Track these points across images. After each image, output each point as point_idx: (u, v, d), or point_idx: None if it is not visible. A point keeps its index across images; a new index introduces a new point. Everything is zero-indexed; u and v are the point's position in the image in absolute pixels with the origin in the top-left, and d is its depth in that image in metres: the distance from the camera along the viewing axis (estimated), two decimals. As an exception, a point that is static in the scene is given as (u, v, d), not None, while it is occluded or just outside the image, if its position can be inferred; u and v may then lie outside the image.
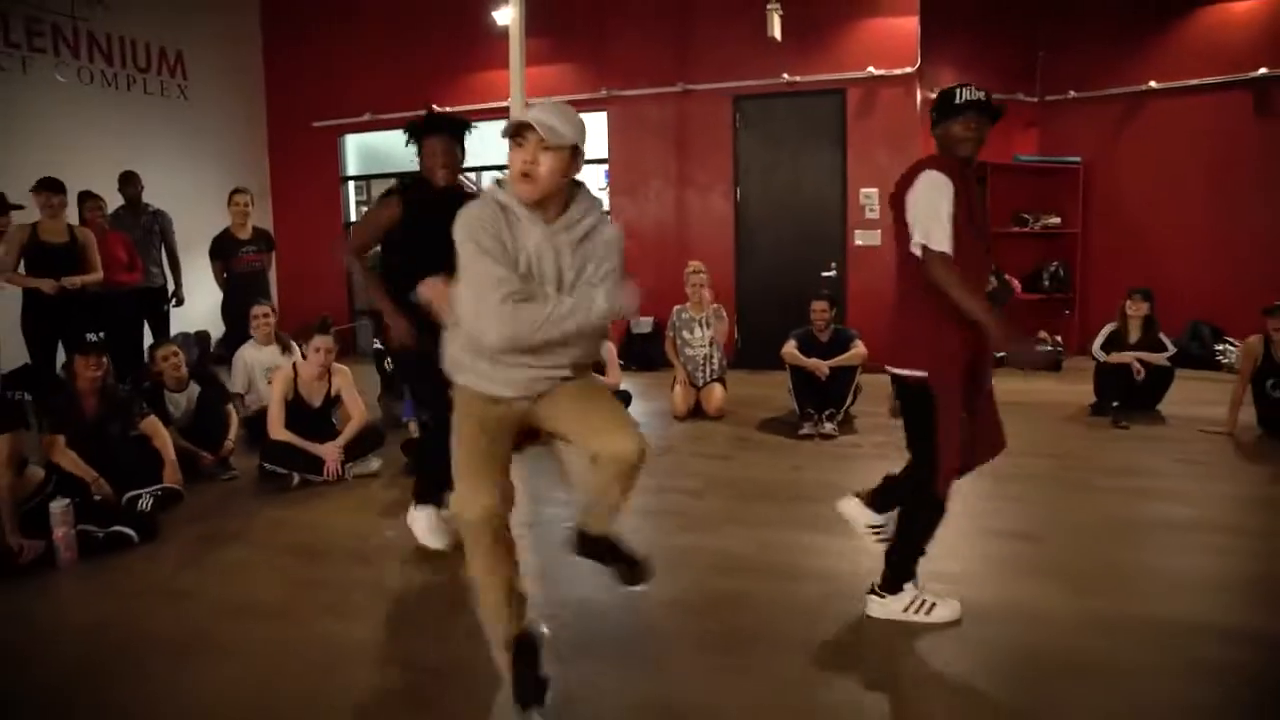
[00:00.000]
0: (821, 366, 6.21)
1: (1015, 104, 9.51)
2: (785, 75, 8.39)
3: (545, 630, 2.66)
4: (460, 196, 3.52)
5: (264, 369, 5.88)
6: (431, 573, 3.62)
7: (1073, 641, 2.92)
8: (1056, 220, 9.49)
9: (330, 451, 4.89)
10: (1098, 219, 9.38)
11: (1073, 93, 9.42)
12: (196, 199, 8.58)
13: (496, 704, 2.55)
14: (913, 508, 3.02)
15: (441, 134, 3.67)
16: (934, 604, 3.05)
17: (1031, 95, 9.60)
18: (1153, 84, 8.96)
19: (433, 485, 3.73)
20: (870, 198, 8.52)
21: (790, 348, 6.34)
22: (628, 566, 2.54)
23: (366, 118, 10.09)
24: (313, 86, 10.46)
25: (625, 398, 6.49)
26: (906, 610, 3.04)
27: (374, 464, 5.14)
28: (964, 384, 2.84)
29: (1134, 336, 6.56)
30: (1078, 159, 9.40)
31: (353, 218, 10.85)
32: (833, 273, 8.67)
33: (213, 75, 10.10)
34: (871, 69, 8.21)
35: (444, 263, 3.41)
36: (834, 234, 8.69)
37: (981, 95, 2.84)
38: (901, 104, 8.31)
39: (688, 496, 4.60)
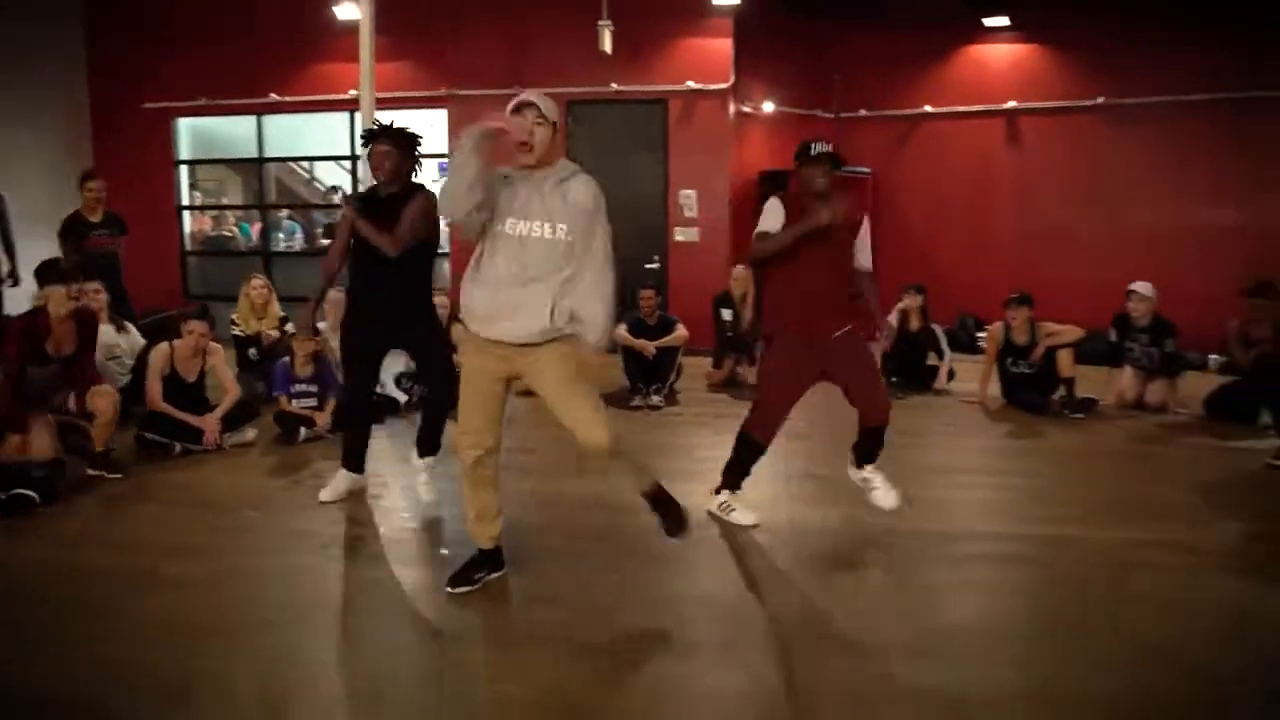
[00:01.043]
0: (648, 347, 7.06)
1: (813, 120, 10.72)
2: (614, 85, 9.18)
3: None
4: (403, 198, 4.09)
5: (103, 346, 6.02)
6: (328, 522, 4.16)
7: (858, 548, 3.91)
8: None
9: (209, 422, 5.27)
10: (885, 222, 10.67)
11: (864, 111, 10.71)
12: (19, 180, 8.41)
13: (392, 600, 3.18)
14: (740, 440, 4.05)
15: (382, 141, 4.12)
16: (735, 510, 4.11)
17: (829, 112, 10.82)
18: (928, 108, 10.37)
19: (353, 455, 4.42)
20: (689, 198, 9.46)
21: (621, 331, 7.12)
22: (670, 521, 3.38)
23: (201, 102, 10.10)
24: (141, 66, 10.31)
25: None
26: (720, 507, 4.13)
27: (250, 434, 5.54)
28: (795, 354, 3.90)
29: (914, 325, 7.74)
30: (868, 170, 10.68)
31: (184, 201, 10.79)
32: (656, 265, 9.55)
33: (29, 48, 9.73)
34: (691, 83, 9.14)
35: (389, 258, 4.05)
36: (657, 231, 9.57)
37: (829, 148, 3.86)
38: (717, 115, 9.27)
39: (530, 456, 5.25)
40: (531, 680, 2.72)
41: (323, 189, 12.22)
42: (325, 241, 11.27)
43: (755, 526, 4.03)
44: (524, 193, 3.03)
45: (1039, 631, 3.12)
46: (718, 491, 4.17)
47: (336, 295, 6.62)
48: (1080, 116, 9.68)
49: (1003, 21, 9.81)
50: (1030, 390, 6.90)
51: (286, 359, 5.82)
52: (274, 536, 3.96)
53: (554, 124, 3.05)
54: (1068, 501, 4.64)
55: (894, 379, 7.47)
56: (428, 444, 4.48)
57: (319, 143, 11.19)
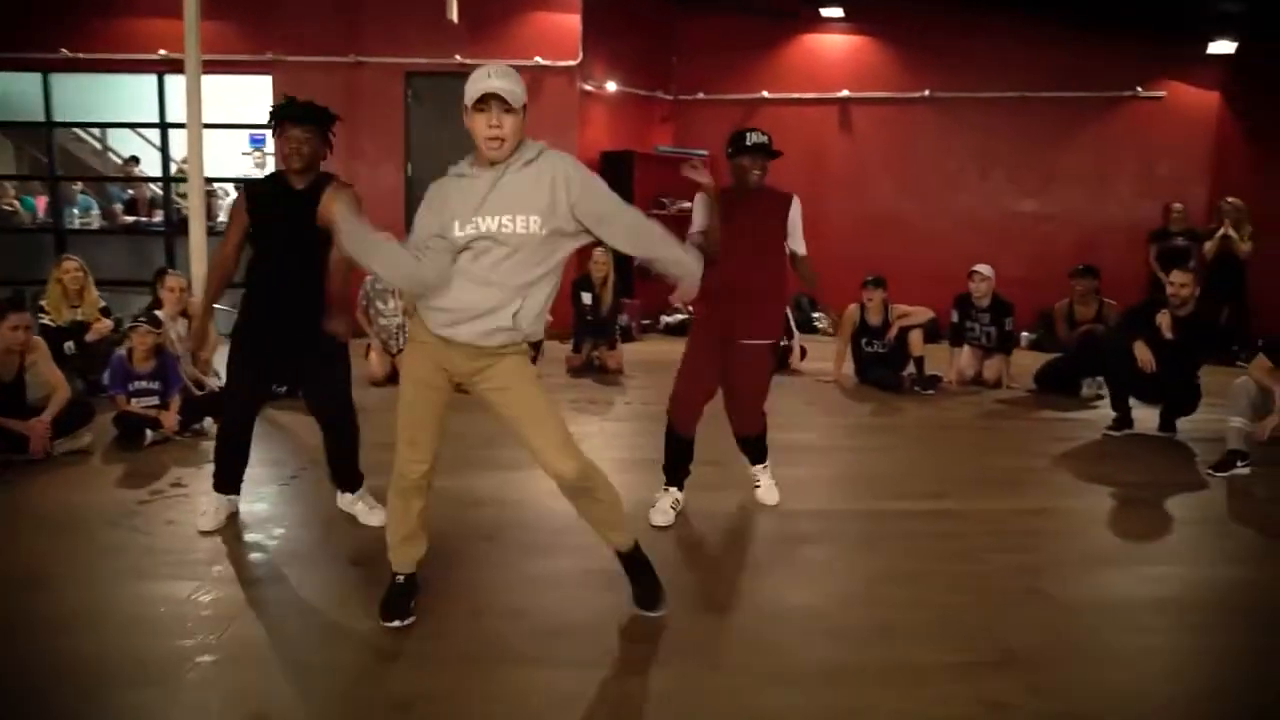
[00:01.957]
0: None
1: (654, 100, 10.74)
2: (458, 57, 8.79)
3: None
4: (316, 190, 3.52)
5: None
6: (204, 538, 3.72)
7: (733, 525, 3.94)
8: (689, 205, 10.75)
9: (38, 427, 4.58)
10: (721, 206, 10.87)
11: (702, 94, 10.82)
12: None
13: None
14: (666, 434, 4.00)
15: (302, 124, 3.48)
16: (655, 505, 3.97)
17: (668, 93, 10.86)
18: (765, 93, 10.59)
19: (229, 476, 3.80)
20: (534, 178, 9.21)
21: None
22: (642, 590, 2.99)
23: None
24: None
25: None
26: (659, 504, 3.96)
27: (85, 439, 4.88)
28: (704, 341, 3.86)
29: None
30: (705, 152, 10.78)
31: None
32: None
33: None
34: (538, 58, 8.89)
35: (299, 260, 3.54)
36: (502, 210, 9.26)
37: (765, 139, 3.75)
38: (565, 93, 9.09)
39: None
40: (497, 696, 2.53)
41: (119, 160, 11.09)
42: (128, 219, 10.26)
43: (665, 528, 3.87)
44: (483, 187, 2.64)
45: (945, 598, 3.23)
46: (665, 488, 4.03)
47: (175, 281, 6.01)
48: (909, 107, 10.17)
49: (837, 13, 10.13)
50: (883, 369, 7.21)
51: (122, 353, 5.19)
52: (151, 558, 3.49)
53: (523, 107, 2.64)
54: (939, 477, 4.85)
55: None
56: (348, 478, 3.88)
57: (113, 107, 10.13)
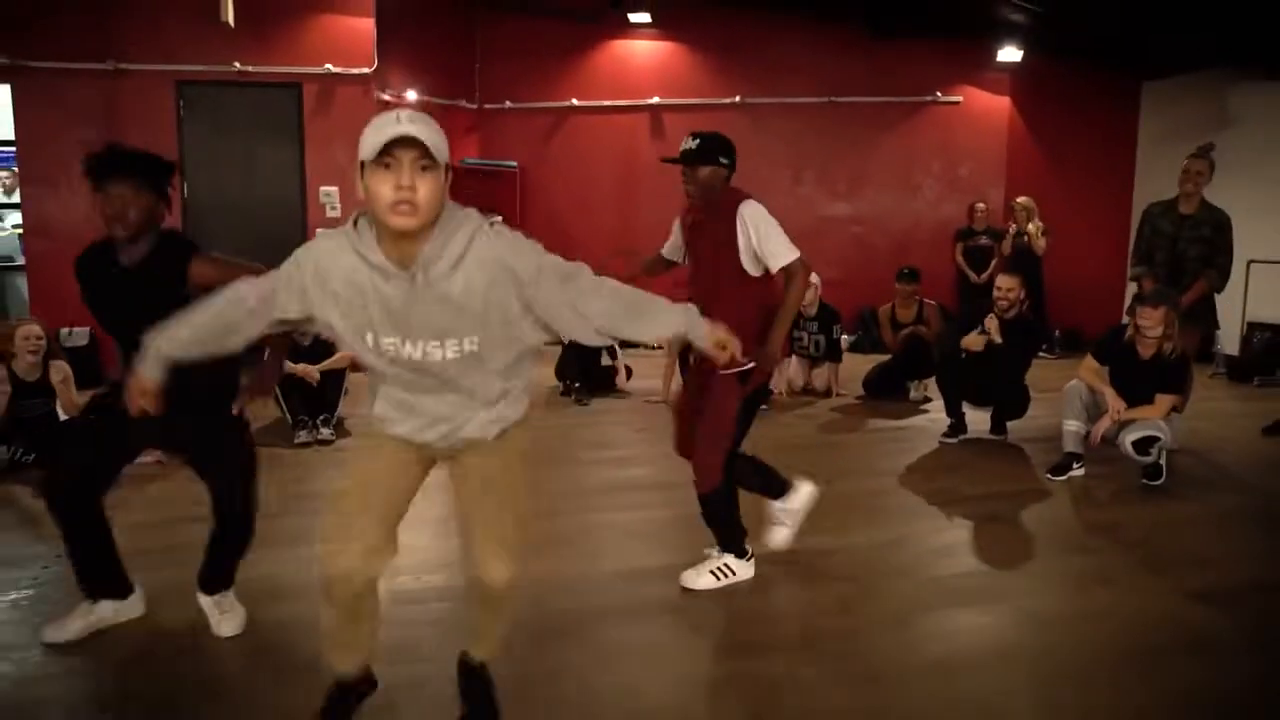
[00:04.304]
0: (311, 372, 6.05)
1: (457, 110, 10.15)
2: (237, 64, 7.89)
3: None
4: (166, 266, 2.81)
5: None
6: None
7: (563, 595, 3.42)
8: (499, 218, 10.25)
9: None
10: (534, 215, 10.39)
11: (509, 103, 10.33)
12: None
13: None
14: None
15: (121, 178, 2.75)
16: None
17: (472, 103, 10.30)
18: (575, 101, 10.22)
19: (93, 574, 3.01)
20: (331, 195, 8.45)
21: (304, 366, 6.06)
22: (481, 713, 2.41)
23: None
24: None
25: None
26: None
27: None
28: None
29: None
30: (514, 163, 10.32)
31: None
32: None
33: None
34: (329, 66, 8.12)
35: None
36: (295, 233, 8.43)
37: (691, 144, 3.23)
38: (360, 103, 8.34)
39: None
40: None
41: None
42: None
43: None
44: (393, 293, 1.97)
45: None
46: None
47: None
48: (720, 113, 10.04)
49: (645, 18, 9.89)
50: (716, 386, 6.97)
51: None
52: None
53: (446, 166, 1.93)
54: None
55: (575, 383, 7.19)
56: (218, 577, 3.08)
57: None
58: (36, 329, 5.26)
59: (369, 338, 2.03)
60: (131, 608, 3.09)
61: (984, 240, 9.32)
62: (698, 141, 3.24)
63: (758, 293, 3.30)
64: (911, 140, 10.17)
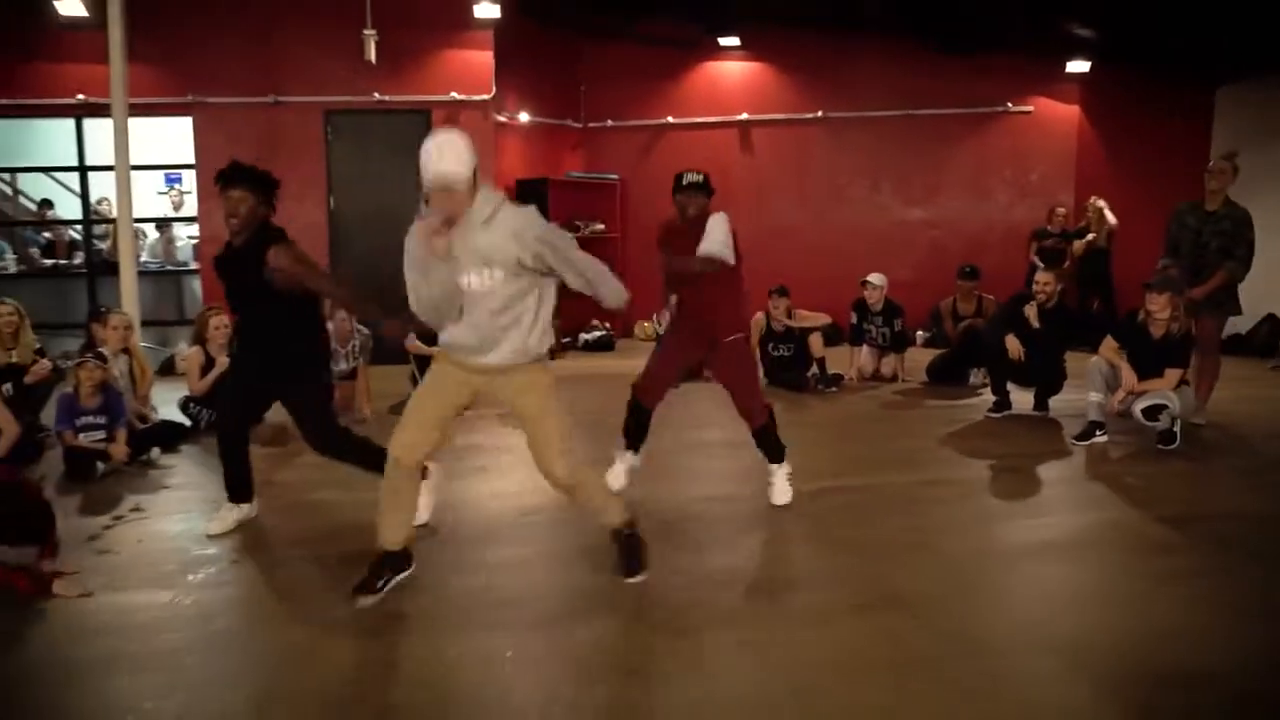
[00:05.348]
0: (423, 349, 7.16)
1: (564, 129, 11.24)
2: (377, 94, 9.16)
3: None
4: (259, 248, 3.86)
5: None
6: (179, 550, 4.05)
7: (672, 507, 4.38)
8: (601, 226, 11.34)
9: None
10: (633, 223, 11.38)
11: (610, 121, 11.36)
12: None
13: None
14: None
15: (237, 185, 3.86)
16: (612, 469, 4.54)
17: (578, 121, 11.38)
18: (670, 118, 11.20)
19: (232, 486, 4.22)
20: (454, 206, 9.60)
21: (413, 340, 7.20)
22: (625, 562, 3.47)
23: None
24: None
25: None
26: (616, 469, 4.56)
27: (35, 475, 5.02)
28: (682, 337, 4.50)
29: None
30: (615, 176, 11.33)
31: None
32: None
33: None
34: (454, 94, 9.31)
35: (258, 315, 4.02)
36: (424, 239, 9.60)
37: (698, 178, 4.27)
38: (479, 125, 9.48)
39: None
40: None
41: (33, 205, 11.09)
42: (47, 262, 10.31)
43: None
44: (452, 242, 3.08)
45: (868, 556, 3.77)
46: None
47: (119, 319, 6.24)
48: (803, 128, 10.88)
49: (735, 41, 10.80)
50: (789, 371, 7.80)
51: (69, 390, 5.41)
52: (125, 573, 3.75)
53: (473, 174, 3.03)
54: (839, 460, 5.45)
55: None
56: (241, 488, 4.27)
57: (21, 151, 10.21)
58: (225, 318, 6.47)
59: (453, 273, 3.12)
60: (253, 509, 4.31)
61: (1056, 240, 9.89)
62: (702, 177, 4.32)
63: (729, 276, 4.38)
64: (983, 148, 10.80)
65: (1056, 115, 10.60)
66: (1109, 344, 5.72)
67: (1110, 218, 9.57)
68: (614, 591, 3.42)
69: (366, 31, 8.35)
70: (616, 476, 4.49)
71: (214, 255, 4.15)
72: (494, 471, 5.21)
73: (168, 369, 8.21)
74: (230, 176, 3.87)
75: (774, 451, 4.51)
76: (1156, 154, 10.47)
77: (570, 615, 3.26)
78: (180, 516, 4.46)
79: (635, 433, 4.59)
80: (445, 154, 2.97)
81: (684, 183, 4.29)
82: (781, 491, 4.48)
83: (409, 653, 3.03)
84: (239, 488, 4.23)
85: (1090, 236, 9.64)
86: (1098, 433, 5.66)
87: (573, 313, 9.89)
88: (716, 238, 4.24)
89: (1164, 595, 3.40)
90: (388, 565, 3.37)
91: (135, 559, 3.92)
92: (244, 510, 4.25)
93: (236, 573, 3.75)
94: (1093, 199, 9.71)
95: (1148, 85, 10.33)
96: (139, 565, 3.84)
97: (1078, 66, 10.11)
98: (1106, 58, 10.01)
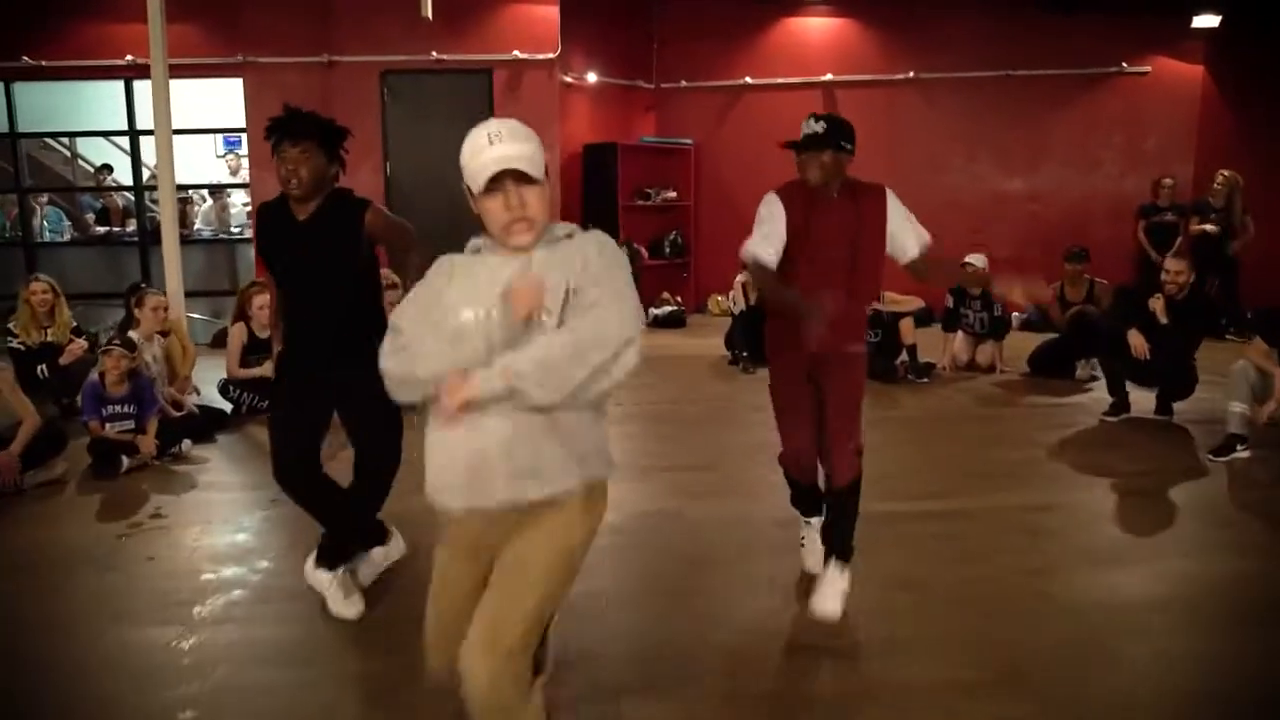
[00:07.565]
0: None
1: (635, 90, 10.59)
2: (435, 53, 8.62)
3: None
4: (336, 220, 3.01)
5: None
6: (192, 574, 3.60)
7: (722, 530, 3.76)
8: (673, 194, 10.71)
9: (6, 460, 4.39)
10: (706, 193, 10.73)
11: (684, 82, 10.67)
12: None
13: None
14: None
15: (296, 139, 2.91)
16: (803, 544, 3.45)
17: (650, 83, 10.71)
18: (748, 79, 10.45)
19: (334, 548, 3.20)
20: (516, 173, 9.07)
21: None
22: None
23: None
24: None
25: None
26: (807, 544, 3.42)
27: (58, 469, 4.72)
28: (791, 368, 3.10)
29: (753, 298, 7.77)
30: (689, 140, 10.67)
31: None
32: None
33: None
34: (517, 53, 8.73)
35: (314, 290, 3.02)
36: (482, 208, 9.11)
37: (819, 128, 2.92)
38: (544, 86, 8.93)
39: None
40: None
41: (91, 168, 10.87)
42: (100, 229, 10.07)
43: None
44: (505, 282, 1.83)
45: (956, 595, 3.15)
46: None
47: (156, 300, 5.86)
48: (893, 89, 10.05)
49: (819, -5, 10.02)
50: (878, 358, 7.11)
51: (95, 378, 5.04)
52: (129, 601, 3.35)
53: (546, 176, 1.90)
54: (939, 474, 4.79)
55: (742, 352, 7.51)
56: (339, 543, 3.19)
57: (82, 114, 9.92)
58: (267, 297, 6.05)
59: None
60: (396, 547, 3.36)
61: (1169, 217, 8.94)
62: (823, 125, 2.97)
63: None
64: (1093, 113, 9.83)
65: (1177, 76, 9.59)
66: (1257, 346, 4.92)
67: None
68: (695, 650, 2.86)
69: (423, -14, 7.79)
70: (811, 550, 3.38)
71: (260, 212, 3.20)
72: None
73: (220, 341, 7.90)
74: (288, 128, 2.92)
75: (845, 540, 3.09)
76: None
77: (629, 690, 2.71)
78: (199, 528, 4.03)
79: (807, 503, 3.42)
80: (507, 132, 1.91)
81: (803, 134, 2.97)
82: (832, 596, 3.02)
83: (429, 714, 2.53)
84: (346, 532, 3.19)
85: (1209, 225, 8.63)
86: (1239, 447, 4.89)
87: (641, 288, 9.34)
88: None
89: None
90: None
91: (140, 583, 3.49)
92: (377, 558, 3.26)
93: (247, 611, 3.26)
94: (1227, 174, 8.65)
95: (1284, 42, 9.24)
96: (144, 592, 3.41)
97: (1205, 21, 9.06)
98: (1238, 11, 8.94)
